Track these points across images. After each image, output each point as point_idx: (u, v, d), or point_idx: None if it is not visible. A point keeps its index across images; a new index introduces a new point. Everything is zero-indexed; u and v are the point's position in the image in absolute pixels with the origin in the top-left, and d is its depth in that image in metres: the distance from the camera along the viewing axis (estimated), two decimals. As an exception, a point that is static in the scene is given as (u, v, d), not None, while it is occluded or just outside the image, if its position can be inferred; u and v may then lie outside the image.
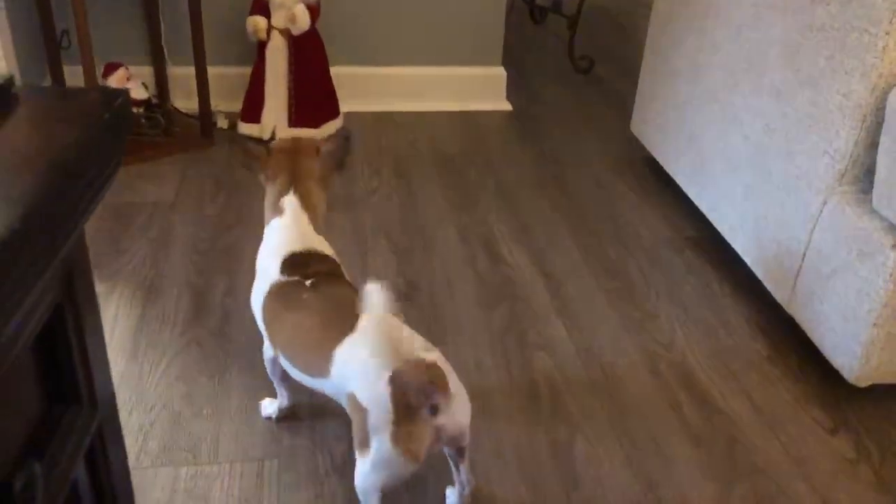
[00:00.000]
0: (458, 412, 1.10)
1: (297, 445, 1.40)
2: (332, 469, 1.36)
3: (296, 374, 1.26)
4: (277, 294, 1.26)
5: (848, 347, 1.49)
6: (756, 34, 1.77)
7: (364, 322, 1.12)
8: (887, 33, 1.39)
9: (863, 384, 1.51)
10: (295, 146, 1.36)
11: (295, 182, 1.33)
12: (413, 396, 1.04)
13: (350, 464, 1.34)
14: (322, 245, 1.33)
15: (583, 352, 1.67)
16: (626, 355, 1.67)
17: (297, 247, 1.30)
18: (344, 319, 1.13)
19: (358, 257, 1.93)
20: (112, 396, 0.59)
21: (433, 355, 1.11)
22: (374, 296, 1.01)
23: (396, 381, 1.05)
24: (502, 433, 1.45)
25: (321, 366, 1.16)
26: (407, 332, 1.15)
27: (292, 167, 1.34)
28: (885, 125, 1.40)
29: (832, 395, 1.59)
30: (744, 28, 1.82)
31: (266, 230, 1.35)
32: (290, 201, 1.33)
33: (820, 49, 1.55)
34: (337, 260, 1.34)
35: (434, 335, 1.67)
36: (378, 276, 1.84)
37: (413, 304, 1.78)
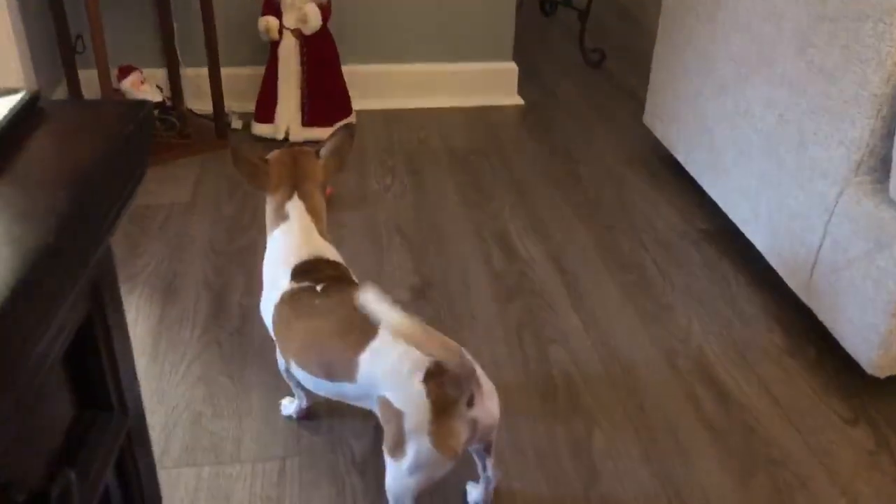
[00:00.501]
0: (489, 403, 1.11)
1: (317, 443, 1.41)
2: (352, 466, 1.37)
3: (310, 382, 1.25)
4: (289, 303, 1.25)
5: (866, 338, 1.49)
6: (768, 25, 1.76)
7: (385, 325, 1.12)
8: (901, 22, 1.38)
9: (882, 375, 1.51)
10: (293, 153, 1.36)
11: (297, 187, 1.33)
12: (452, 387, 1.04)
13: (370, 461, 1.36)
14: (328, 251, 1.33)
15: (599, 346, 1.68)
16: (643, 348, 1.68)
17: (305, 254, 1.29)
18: (363, 323, 1.12)
19: (373, 255, 1.95)
20: (140, 402, 0.60)
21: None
22: (373, 305, 1.00)
23: (435, 374, 1.05)
24: (520, 428, 1.46)
25: (345, 371, 1.16)
26: (427, 328, 1.16)
27: (293, 173, 1.33)
28: (900, 115, 1.40)
29: (851, 385, 1.59)
30: (755, 19, 1.81)
31: (270, 239, 1.34)
32: (293, 206, 1.32)
33: (833, 39, 1.54)
34: (343, 265, 1.34)
35: (450, 331, 1.68)
36: (394, 275, 1.86)
37: (429, 301, 1.79)
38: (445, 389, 1.05)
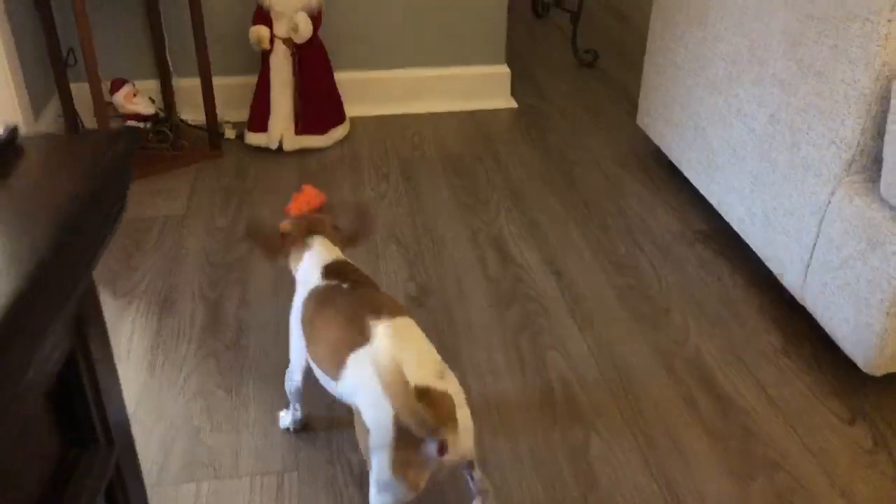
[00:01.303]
0: (463, 443, 1.08)
1: (314, 457, 1.42)
2: (350, 480, 1.37)
3: (323, 378, 1.26)
4: (315, 296, 1.29)
5: (862, 337, 1.49)
6: (758, 24, 1.76)
7: (380, 332, 1.11)
8: (889, 21, 1.38)
9: (878, 373, 1.51)
10: (310, 222, 1.39)
11: (316, 232, 1.38)
12: (415, 431, 1.02)
13: (366, 475, 1.36)
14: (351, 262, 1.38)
15: (596, 350, 1.68)
16: (640, 352, 1.68)
17: (334, 257, 1.36)
18: (366, 325, 1.13)
19: (369, 264, 1.94)
20: (128, 433, 0.60)
21: (444, 383, 1.09)
22: (380, 336, 1.00)
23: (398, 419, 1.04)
24: (518, 435, 1.46)
25: (334, 368, 1.18)
26: (425, 346, 1.15)
27: (309, 226, 1.39)
28: (890, 114, 1.40)
29: (848, 385, 1.59)
30: (745, 18, 1.81)
31: (298, 272, 1.37)
32: (315, 239, 1.37)
33: (822, 39, 1.54)
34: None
35: (447, 339, 1.69)
36: (390, 283, 1.86)
37: (426, 308, 1.79)
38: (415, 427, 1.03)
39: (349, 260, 1.38)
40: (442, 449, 1.04)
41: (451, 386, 1.10)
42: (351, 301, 1.24)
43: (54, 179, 0.50)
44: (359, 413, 1.12)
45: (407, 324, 1.21)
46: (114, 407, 0.57)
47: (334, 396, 1.26)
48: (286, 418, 1.46)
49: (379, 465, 1.08)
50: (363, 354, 1.13)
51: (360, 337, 1.14)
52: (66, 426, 0.55)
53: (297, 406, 1.43)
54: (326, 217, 1.42)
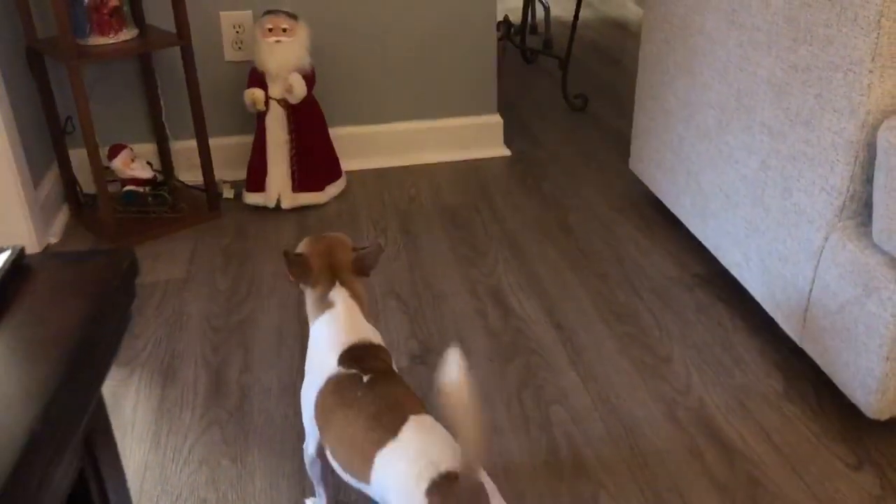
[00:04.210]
0: None
1: (322, 525, 1.41)
2: (359, 547, 1.36)
3: (344, 474, 1.22)
4: (334, 388, 1.23)
5: (863, 382, 1.50)
6: (744, 74, 1.80)
7: (408, 427, 1.11)
8: (871, 71, 1.41)
9: (882, 418, 1.51)
10: (329, 243, 1.36)
11: (337, 276, 1.33)
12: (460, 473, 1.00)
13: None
14: (375, 336, 1.32)
15: (599, 403, 1.68)
16: (643, 403, 1.68)
17: (354, 338, 1.28)
18: (390, 422, 1.11)
19: (370, 321, 1.95)
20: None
21: (479, 476, 1.06)
22: (451, 362, 0.98)
23: (441, 487, 1.01)
24: (525, 493, 1.46)
25: (363, 470, 1.14)
26: (453, 441, 1.12)
27: (331, 263, 1.33)
28: (877, 161, 1.42)
29: (853, 429, 1.59)
30: (731, 68, 1.85)
31: (313, 328, 1.32)
32: (337, 294, 1.31)
33: (807, 88, 1.57)
34: (386, 350, 1.33)
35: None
36: (391, 340, 1.87)
37: (428, 366, 1.79)
38: None
39: (371, 335, 1.32)
40: None
41: (485, 480, 1.06)
42: (372, 399, 1.19)
43: (62, 303, 0.51)
44: None
45: (430, 421, 1.17)
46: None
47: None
48: None
49: None
50: (390, 450, 1.10)
51: (385, 434, 1.12)
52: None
53: (322, 491, 1.40)
54: (344, 238, 1.38)
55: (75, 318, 0.48)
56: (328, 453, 1.24)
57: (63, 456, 0.46)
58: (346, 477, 1.22)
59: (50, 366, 0.45)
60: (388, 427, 1.12)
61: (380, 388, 1.20)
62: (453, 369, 0.97)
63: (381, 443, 1.11)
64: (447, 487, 1.01)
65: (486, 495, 1.03)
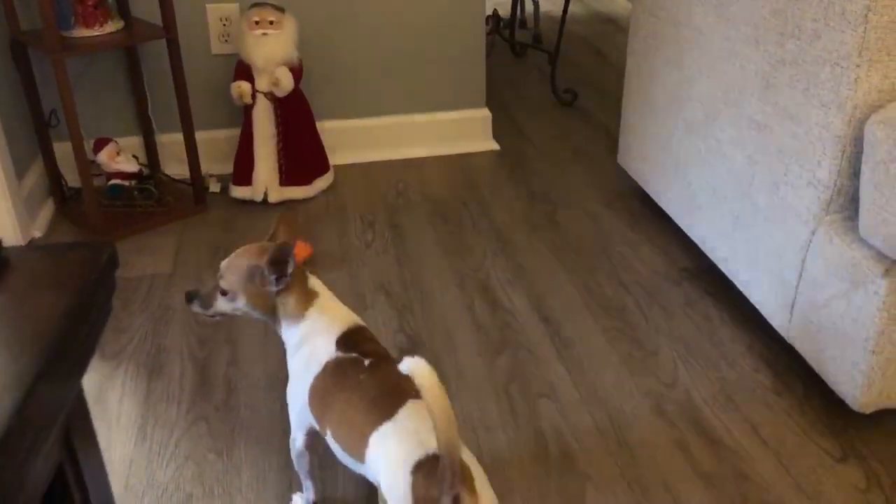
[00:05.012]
0: None
1: (309, 519, 1.40)
2: (346, 542, 1.36)
3: (344, 457, 1.23)
4: (334, 372, 1.24)
5: (849, 375, 1.50)
6: (731, 68, 1.80)
7: (405, 409, 1.12)
8: (858, 66, 1.41)
9: (867, 411, 1.52)
10: (265, 246, 1.31)
11: (303, 269, 1.32)
12: (435, 487, 1.01)
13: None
14: (359, 318, 1.32)
15: (587, 397, 1.68)
16: (631, 397, 1.68)
17: (348, 323, 1.29)
18: (389, 405, 1.13)
19: (358, 315, 1.94)
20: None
21: (468, 459, 1.08)
22: (419, 369, 0.96)
23: (426, 467, 1.03)
24: (514, 489, 1.46)
25: (360, 449, 1.15)
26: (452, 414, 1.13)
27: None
28: (864, 155, 1.42)
29: (839, 422, 1.59)
30: (718, 62, 1.85)
31: (303, 323, 1.29)
32: (316, 283, 1.32)
33: (794, 83, 1.57)
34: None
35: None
36: (380, 335, 1.86)
37: (415, 360, 1.78)
38: (431, 486, 1.02)
39: (357, 318, 1.32)
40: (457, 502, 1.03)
41: (473, 465, 1.08)
42: (374, 383, 1.20)
43: (41, 296, 0.50)
44: (379, 489, 1.10)
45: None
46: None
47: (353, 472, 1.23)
48: (297, 502, 1.43)
49: None
50: (384, 430, 1.12)
51: (381, 416, 1.13)
52: (57, 534, 0.54)
53: (309, 485, 1.40)
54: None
55: (54, 311, 0.48)
56: (328, 436, 1.24)
57: (40, 450, 0.45)
58: (344, 459, 1.23)
59: (27, 359, 0.44)
60: (386, 409, 1.13)
61: (381, 372, 1.21)
62: (413, 361, 0.96)
63: (377, 423, 1.13)
64: (432, 467, 1.02)
65: (471, 476, 1.04)
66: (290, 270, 1.26)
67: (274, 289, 1.27)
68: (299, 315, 1.29)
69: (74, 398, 0.52)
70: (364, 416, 1.16)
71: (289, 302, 1.29)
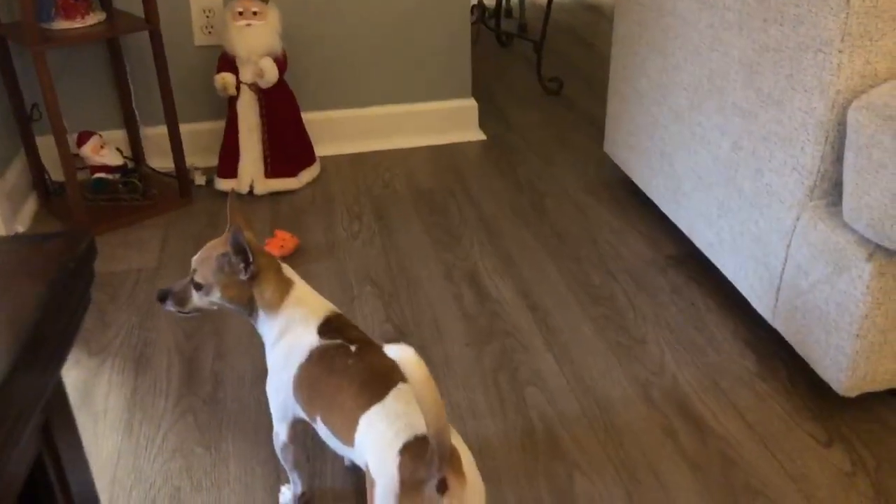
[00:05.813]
0: (471, 498, 1.06)
1: (298, 511, 1.40)
2: (335, 532, 1.36)
3: (334, 442, 1.24)
4: (320, 358, 1.24)
5: (834, 359, 1.51)
6: (715, 55, 1.80)
7: (394, 392, 1.13)
8: (840, 51, 1.42)
9: (852, 395, 1.53)
10: (254, 242, 1.31)
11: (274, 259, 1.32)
12: (425, 466, 1.02)
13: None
14: (336, 308, 1.32)
15: (575, 384, 1.69)
16: (618, 384, 1.69)
17: (328, 310, 1.29)
18: (378, 389, 1.14)
19: (344, 306, 1.94)
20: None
21: (456, 442, 1.08)
22: (405, 356, 0.94)
23: (413, 448, 1.04)
24: (502, 476, 1.46)
25: (349, 433, 1.16)
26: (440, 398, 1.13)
27: (265, 250, 1.34)
28: (847, 141, 1.43)
29: (824, 406, 1.61)
30: (703, 49, 1.85)
31: (280, 314, 1.28)
32: (290, 272, 1.31)
33: (778, 69, 1.58)
34: None
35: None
36: (366, 325, 1.86)
37: (403, 350, 1.78)
38: (418, 467, 1.03)
39: (332, 305, 1.31)
40: (442, 486, 1.03)
41: (462, 449, 1.08)
42: (362, 367, 1.20)
43: (18, 285, 0.50)
44: (367, 470, 1.11)
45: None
46: None
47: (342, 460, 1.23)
48: (287, 493, 1.42)
49: None
50: (373, 412, 1.13)
51: (371, 398, 1.14)
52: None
53: (296, 478, 1.40)
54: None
55: (30, 302, 0.47)
56: (317, 421, 1.24)
57: (17, 441, 0.45)
58: (332, 443, 1.24)
59: (2, 348, 0.44)
60: (375, 392, 1.14)
61: (369, 357, 1.21)
62: (401, 349, 0.95)
63: (366, 406, 1.14)
64: (420, 448, 1.03)
65: (458, 459, 1.04)
66: (247, 250, 1.24)
67: (244, 276, 1.26)
68: (276, 305, 1.28)
69: (53, 389, 0.52)
70: (354, 400, 1.17)
71: (265, 292, 1.28)
